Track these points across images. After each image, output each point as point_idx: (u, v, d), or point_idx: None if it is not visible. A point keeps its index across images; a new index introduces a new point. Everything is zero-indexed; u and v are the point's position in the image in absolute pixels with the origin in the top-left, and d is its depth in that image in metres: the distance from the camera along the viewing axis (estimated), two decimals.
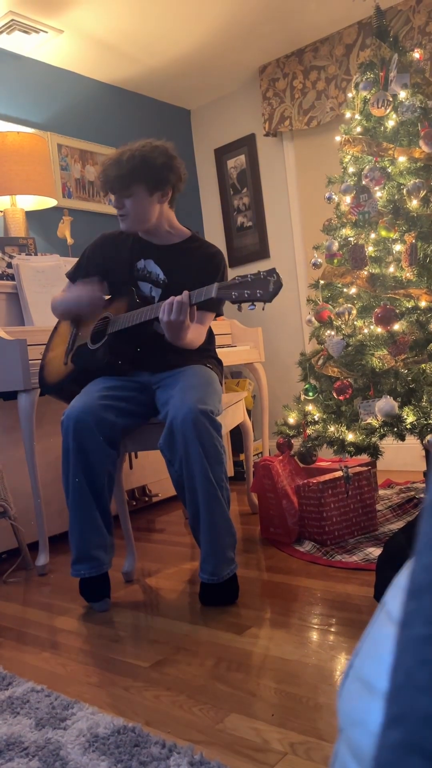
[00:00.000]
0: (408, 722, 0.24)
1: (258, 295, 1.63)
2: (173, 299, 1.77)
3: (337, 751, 0.34)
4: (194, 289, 1.96)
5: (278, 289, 1.63)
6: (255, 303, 1.65)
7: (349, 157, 2.54)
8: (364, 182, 2.39)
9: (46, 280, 2.72)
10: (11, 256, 2.76)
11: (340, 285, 2.49)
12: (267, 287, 1.63)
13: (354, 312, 2.37)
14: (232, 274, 4.11)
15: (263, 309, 1.85)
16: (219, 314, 2.14)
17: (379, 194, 2.38)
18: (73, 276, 2.20)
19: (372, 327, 2.30)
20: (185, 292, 1.78)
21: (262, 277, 1.64)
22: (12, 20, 2.92)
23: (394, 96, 2.39)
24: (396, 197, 2.33)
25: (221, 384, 2.11)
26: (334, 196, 2.58)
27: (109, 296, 2.15)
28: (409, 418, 2.14)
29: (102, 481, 1.92)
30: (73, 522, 1.93)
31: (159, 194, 1.98)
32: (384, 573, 1.62)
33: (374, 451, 2.23)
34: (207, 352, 2.16)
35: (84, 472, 1.89)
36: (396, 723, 0.24)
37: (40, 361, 2.28)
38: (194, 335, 1.95)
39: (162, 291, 2.06)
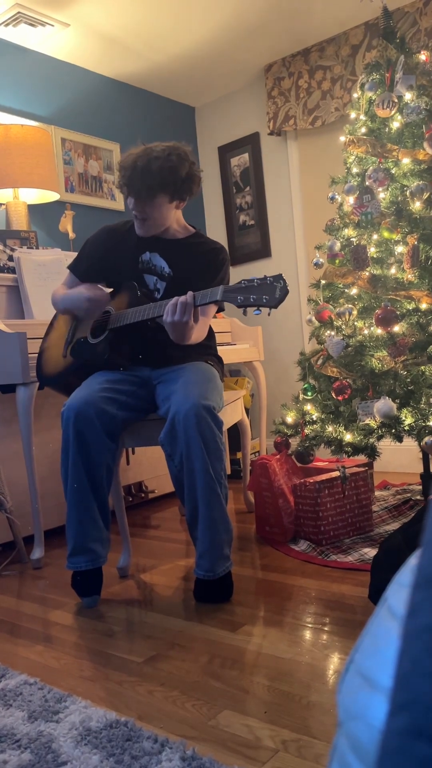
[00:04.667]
0: (414, 708, 0.24)
1: (264, 300, 1.62)
2: (177, 300, 1.76)
3: (336, 744, 0.34)
4: (198, 282, 1.95)
5: (285, 296, 1.62)
6: (261, 308, 1.64)
7: (353, 157, 2.54)
8: (367, 183, 2.39)
9: (47, 274, 2.72)
10: (13, 249, 2.75)
11: (341, 285, 2.49)
12: (273, 293, 1.61)
13: (354, 312, 2.37)
14: (233, 272, 4.11)
15: (269, 314, 1.84)
16: (221, 309, 2.15)
17: (383, 195, 2.38)
18: (75, 268, 2.18)
19: (372, 328, 2.30)
20: (190, 293, 1.77)
21: (268, 282, 1.63)
22: (18, 12, 2.91)
23: (400, 97, 2.39)
24: (399, 199, 2.33)
25: (221, 381, 2.11)
26: (337, 197, 2.58)
27: (111, 290, 2.14)
28: (408, 419, 2.15)
29: (101, 474, 1.91)
30: (71, 514, 1.92)
31: (178, 202, 2.00)
32: (379, 573, 1.62)
33: (371, 452, 2.23)
34: (207, 349, 2.16)
35: (83, 464, 1.88)
36: (402, 709, 0.24)
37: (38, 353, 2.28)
38: (198, 332, 1.95)
39: (167, 284, 2.06)
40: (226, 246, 4.15)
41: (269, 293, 1.62)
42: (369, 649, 0.34)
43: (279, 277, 1.63)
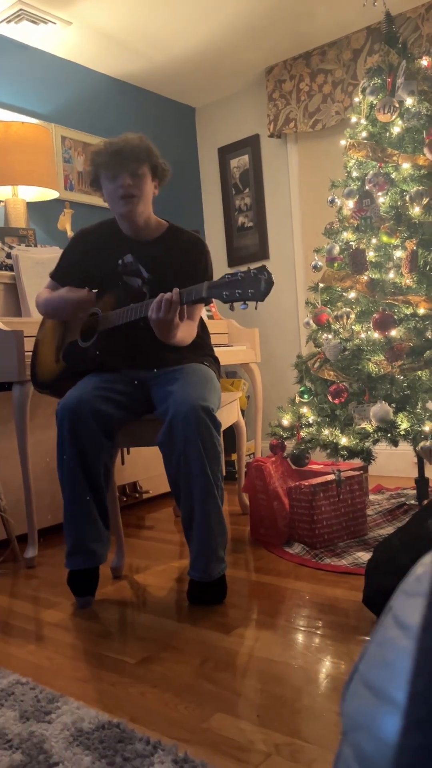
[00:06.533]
0: (429, 726, 0.24)
1: (249, 294, 1.61)
2: (162, 297, 1.75)
3: (340, 753, 0.33)
4: (179, 279, 1.94)
5: (270, 288, 1.60)
6: (247, 302, 1.62)
7: (353, 161, 2.54)
8: (367, 187, 2.40)
9: (45, 272, 2.71)
10: (11, 247, 2.74)
11: (339, 289, 2.49)
12: (258, 286, 1.60)
13: (352, 316, 2.37)
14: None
15: (256, 308, 1.81)
16: (208, 303, 2.12)
17: (382, 200, 2.39)
18: (56, 275, 2.15)
19: (370, 332, 2.30)
20: (175, 290, 1.75)
21: (252, 275, 1.61)
22: (20, 9, 2.90)
23: (401, 102, 2.39)
24: (398, 203, 2.34)
25: (218, 382, 2.10)
26: (336, 200, 2.58)
27: (96, 290, 2.12)
28: (403, 424, 2.15)
29: (98, 472, 1.90)
30: (68, 513, 1.90)
31: (156, 183, 2.01)
32: (373, 578, 1.62)
33: (367, 456, 2.23)
34: (203, 350, 2.16)
35: (80, 463, 1.87)
36: (417, 728, 0.24)
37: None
38: (185, 332, 1.93)
39: (151, 288, 2.04)
40: (224, 247, 4.15)
41: (254, 287, 1.60)
42: (374, 660, 0.33)
43: (263, 269, 1.61)
